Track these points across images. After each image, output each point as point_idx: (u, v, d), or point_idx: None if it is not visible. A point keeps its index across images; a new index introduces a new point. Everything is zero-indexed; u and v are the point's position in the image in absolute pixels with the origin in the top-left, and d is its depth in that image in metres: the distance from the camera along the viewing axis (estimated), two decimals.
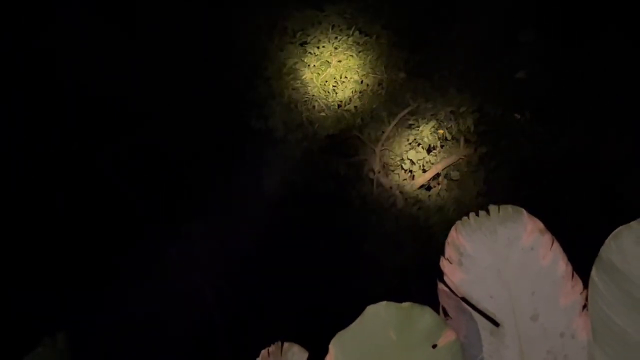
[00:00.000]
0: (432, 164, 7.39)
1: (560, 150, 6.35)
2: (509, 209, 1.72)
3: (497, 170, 7.07)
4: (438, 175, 7.49)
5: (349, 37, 7.18)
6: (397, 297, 1.68)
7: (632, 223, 1.60)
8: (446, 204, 7.22)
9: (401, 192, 7.37)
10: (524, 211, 1.71)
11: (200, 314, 7.10)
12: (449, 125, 7.23)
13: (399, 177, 7.45)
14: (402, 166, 7.42)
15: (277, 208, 7.22)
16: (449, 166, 7.43)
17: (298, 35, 7.35)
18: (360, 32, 7.25)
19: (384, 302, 1.51)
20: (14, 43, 7.12)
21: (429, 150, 7.38)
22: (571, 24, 6.31)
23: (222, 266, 7.06)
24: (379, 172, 7.42)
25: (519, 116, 6.75)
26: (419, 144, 7.34)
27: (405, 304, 1.51)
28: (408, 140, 7.36)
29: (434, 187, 7.45)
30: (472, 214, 1.72)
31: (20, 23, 7.17)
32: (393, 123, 7.26)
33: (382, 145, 7.41)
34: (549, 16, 6.42)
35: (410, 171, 7.43)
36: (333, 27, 7.24)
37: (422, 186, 7.46)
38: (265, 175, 7.41)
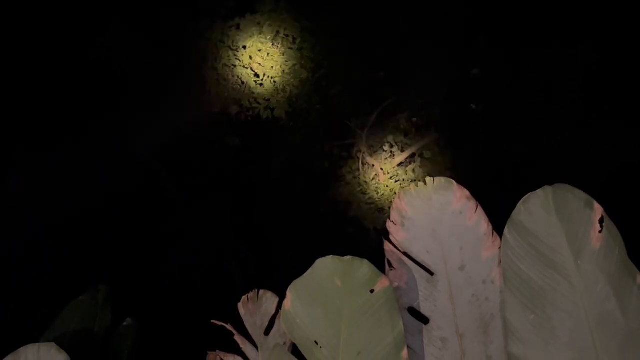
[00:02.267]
0: (409, 145, 7.39)
1: (506, 132, 6.52)
2: (442, 180, 1.73)
3: (461, 150, 7.09)
4: (414, 154, 7.48)
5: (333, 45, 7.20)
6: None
7: (538, 190, 1.61)
8: (419, 178, 7.25)
9: (382, 168, 7.38)
10: (454, 182, 1.72)
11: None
12: (421, 114, 7.24)
13: (381, 156, 7.45)
14: (383, 147, 7.42)
15: (282, 180, 7.24)
16: (422, 147, 7.43)
17: (297, 42, 7.33)
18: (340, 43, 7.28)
19: (330, 256, 1.52)
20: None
21: (405, 134, 7.37)
22: (516, 31, 6.42)
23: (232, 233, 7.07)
24: (365, 152, 7.42)
25: (474, 106, 6.82)
26: (397, 130, 7.34)
27: (347, 257, 1.53)
28: (388, 126, 7.36)
29: (410, 164, 7.44)
30: (412, 184, 1.73)
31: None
32: (376, 113, 7.26)
33: (368, 130, 7.40)
34: (500, 24, 6.51)
35: (391, 151, 7.42)
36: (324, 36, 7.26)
37: (400, 164, 7.46)
38: (272, 155, 7.42)
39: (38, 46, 6.71)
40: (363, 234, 6.98)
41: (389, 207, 6.54)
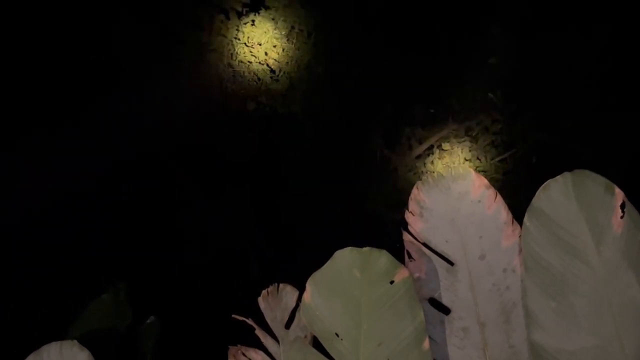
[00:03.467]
0: (426, 137, 7.37)
1: (525, 121, 6.51)
2: (460, 169, 1.72)
3: (479, 140, 7.06)
4: (432, 146, 7.46)
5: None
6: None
7: (558, 177, 1.60)
8: (437, 170, 7.23)
9: (401, 161, 7.37)
10: (472, 171, 1.71)
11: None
12: (438, 105, 7.21)
13: (399, 148, 7.44)
14: (400, 140, 7.40)
15: (299, 175, 7.26)
16: (440, 138, 7.40)
17: (312, 37, 7.33)
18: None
19: (349, 248, 1.52)
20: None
21: (422, 126, 7.35)
22: (531, 20, 6.41)
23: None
24: (382, 144, 7.41)
25: (492, 95, 6.78)
26: (414, 121, 7.32)
27: (366, 249, 1.52)
28: (405, 118, 7.35)
29: (428, 156, 7.42)
30: (429, 174, 1.72)
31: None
32: (391, 105, 7.25)
33: (384, 123, 7.40)
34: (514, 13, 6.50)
35: (409, 144, 7.41)
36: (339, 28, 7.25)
37: (418, 156, 7.44)
38: (289, 150, 7.44)
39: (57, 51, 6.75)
40: (381, 225, 6.97)
41: (407, 199, 6.54)
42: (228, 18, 7.38)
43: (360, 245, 1.58)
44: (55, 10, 6.68)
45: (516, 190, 1.75)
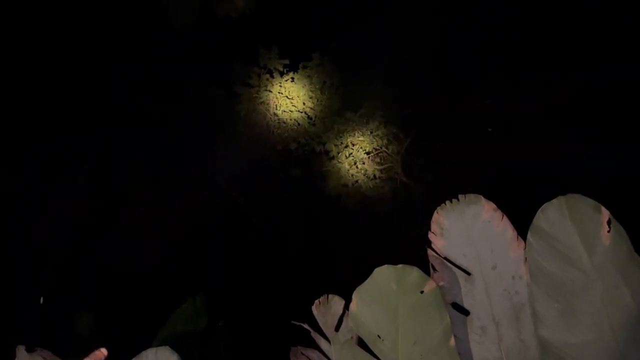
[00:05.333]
0: (437, 165, 7.33)
1: (520, 152, 6.43)
2: (471, 196, 1.71)
3: (481, 168, 6.99)
4: (441, 173, 7.42)
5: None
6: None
7: (554, 200, 1.58)
8: (448, 194, 7.17)
9: (418, 187, 7.33)
10: (482, 197, 1.70)
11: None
12: (445, 140, 7.21)
13: (415, 175, 7.41)
14: (416, 168, 7.38)
15: (337, 201, 7.28)
16: (448, 167, 7.35)
17: (340, 89, 7.42)
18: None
19: (386, 265, 1.52)
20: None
21: (433, 157, 7.33)
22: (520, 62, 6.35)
23: None
24: (401, 173, 7.38)
25: (490, 129, 6.71)
26: (426, 153, 7.31)
27: (400, 265, 1.52)
28: (419, 151, 7.34)
29: (439, 182, 7.37)
30: (447, 201, 1.71)
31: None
32: (408, 140, 7.24)
33: (402, 155, 7.38)
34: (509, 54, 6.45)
35: (422, 172, 7.39)
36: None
37: (431, 181, 7.40)
38: (326, 180, 7.46)
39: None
40: (407, 241, 6.91)
41: (425, 218, 6.45)
42: (272, 77, 7.47)
43: (392, 261, 1.58)
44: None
45: (516, 210, 1.74)
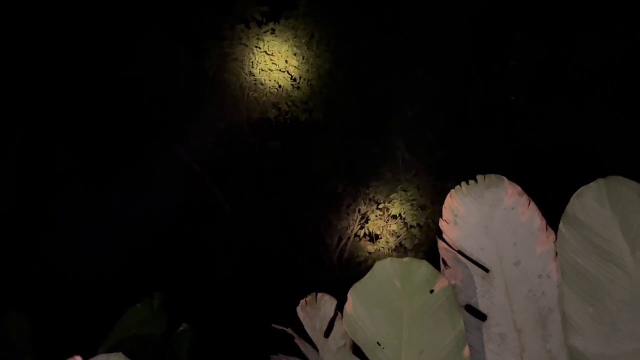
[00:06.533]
0: (448, 139, 7.38)
1: (544, 123, 6.43)
2: (493, 177, 1.71)
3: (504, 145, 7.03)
4: (453, 149, 7.46)
5: None
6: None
7: (592, 184, 1.59)
8: (459, 176, 7.24)
9: (422, 165, 7.38)
10: (505, 178, 1.71)
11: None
12: (461, 105, 7.27)
13: (421, 152, 7.45)
14: (422, 143, 7.42)
15: (326, 179, 7.30)
16: (462, 143, 7.41)
17: (332, 44, 7.37)
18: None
19: (389, 259, 1.53)
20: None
21: (443, 129, 7.39)
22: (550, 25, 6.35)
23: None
24: (404, 149, 7.42)
25: (514, 98, 6.74)
26: (435, 124, 7.36)
27: (406, 259, 1.53)
28: (427, 122, 7.39)
29: (450, 159, 7.42)
30: (463, 183, 1.71)
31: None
32: (413, 111, 7.30)
33: (406, 127, 7.42)
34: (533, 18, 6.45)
35: (430, 147, 7.44)
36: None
37: (440, 159, 7.45)
38: (312, 157, 7.47)
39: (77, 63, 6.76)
40: (406, 230, 6.94)
41: (431, 203, 6.53)
42: (248, 27, 7.40)
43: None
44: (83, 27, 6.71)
45: (548, 196, 1.75)
